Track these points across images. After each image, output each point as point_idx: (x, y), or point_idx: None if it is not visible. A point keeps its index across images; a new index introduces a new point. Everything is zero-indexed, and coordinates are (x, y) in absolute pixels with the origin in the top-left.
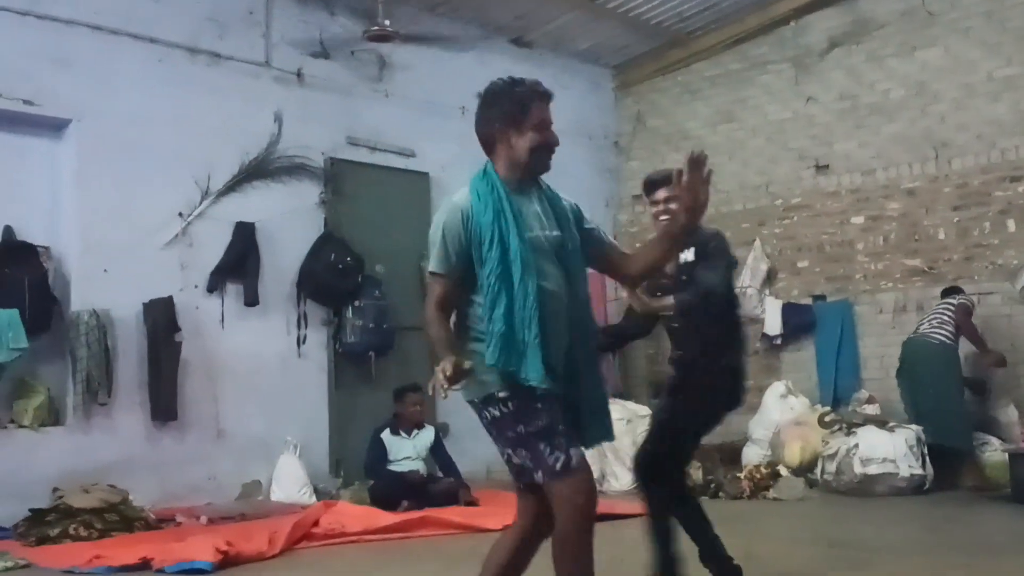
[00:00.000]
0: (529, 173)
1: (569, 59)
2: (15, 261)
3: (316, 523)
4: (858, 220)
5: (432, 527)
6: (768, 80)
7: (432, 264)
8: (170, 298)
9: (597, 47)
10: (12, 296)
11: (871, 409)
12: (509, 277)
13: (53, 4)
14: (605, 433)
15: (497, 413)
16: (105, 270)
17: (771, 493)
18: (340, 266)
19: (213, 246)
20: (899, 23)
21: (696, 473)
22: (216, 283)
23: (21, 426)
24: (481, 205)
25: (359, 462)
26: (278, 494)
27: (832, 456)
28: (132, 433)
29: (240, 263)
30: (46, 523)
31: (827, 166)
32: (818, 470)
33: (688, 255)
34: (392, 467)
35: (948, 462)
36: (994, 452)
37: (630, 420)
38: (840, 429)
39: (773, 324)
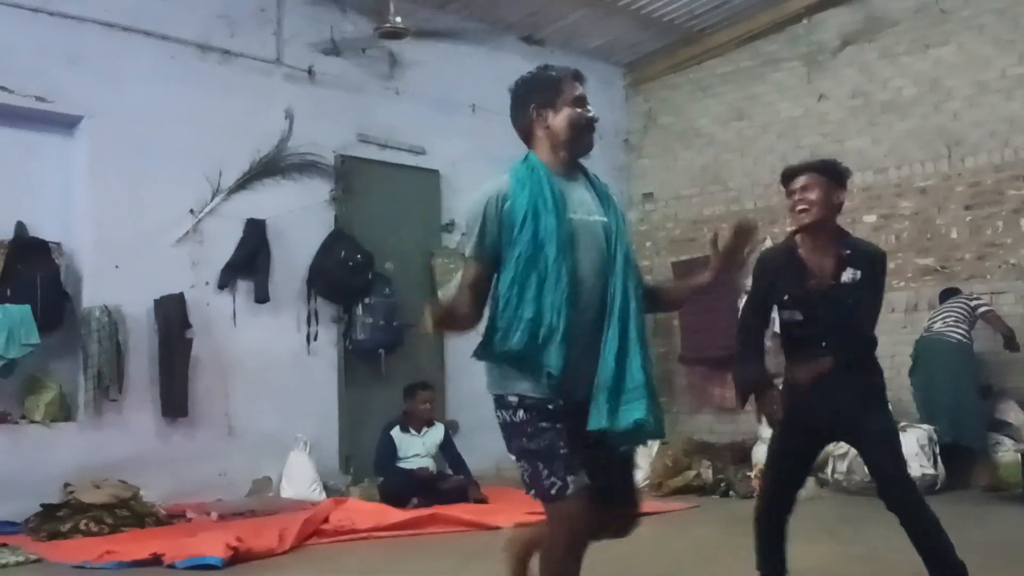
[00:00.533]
0: (572, 152)
1: (580, 56)
2: (27, 257)
3: (326, 520)
4: (870, 218)
5: (442, 524)
6: (780, 77)
7: (467, 248)
8: (181, 295)
9: (608, 44)
10: (24, 292)
11: None
12: (543, 259)
13: (65, 1)
14: (660, 424)
15: (507, 419)
16: (116, 266)
17: None
18: (350, 263)
19: (224, 243)
20: (912, 20)
21: (706, 472)
22: (227, 280)
23: (32, 422)
24: (519, 186)
25: (369, 459)
26: (288, 491)
27: (843, 456)
28: (143, 429)
29: (251, 260)
30: (57, 518)
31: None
32: (829, 469)
33: (853, 275)
34: (402, 464)
35: (960, 462)
36: (1007, 452)
37: None
38: None
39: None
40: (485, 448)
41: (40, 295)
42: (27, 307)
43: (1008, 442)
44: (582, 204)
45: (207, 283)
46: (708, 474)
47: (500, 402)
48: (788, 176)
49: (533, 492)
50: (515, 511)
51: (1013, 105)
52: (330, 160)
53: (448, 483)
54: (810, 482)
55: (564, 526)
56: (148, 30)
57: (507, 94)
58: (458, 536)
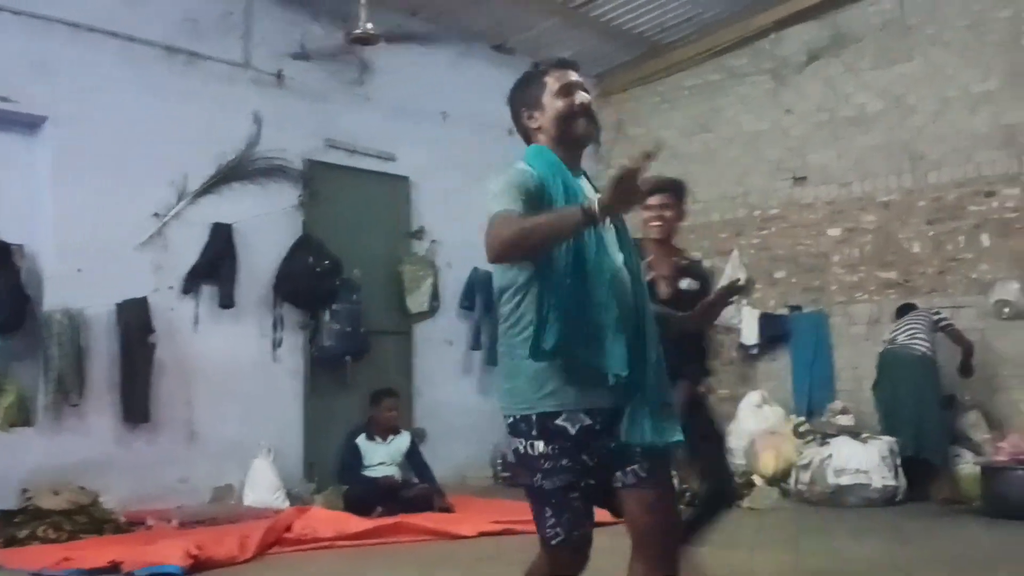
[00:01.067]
0: (570, 144)
1: None
2: None
3: (289, 528)
4: (834, 232)
5: (406, 533)
6: (746, 91)
7: (501, 204)
8: (144, 299)
9: (577, 55)
10: None
11: (845, 420)
12: (582, 252)
13: (30, 2)
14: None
15: (522, 449)
16: (79, 270)
17: (745, 502)
18: (317, 269)
19: (189, 248)
20: (877, 36)
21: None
22: (191, 285)
23: None
24: (548, 172)
25: (333, 467)
26: (251, 498)
27: (806, 466)
28: (103, 434)
29: (216, 265)
30: (14, 524)
31: (804, 178)
32: (792, 480)
33: (691, 284)
34: (366, 472)
35: (921, 474)
36: (967, 465)
37: None
38: (814, 439)
39: (749, 334)
40: (451, 456)
41: (1, 298)
42: None
43: (968, 455)
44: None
45: (171, 288)
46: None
47: (515, 429)
48: (650, 190)
49: (536, 526)
50: (480, 520)
51: (976, 121)
52: (298, 165)
53: (413, 491)
54: (773, 492)
55: (558, 568)
56: (114, 32)
57: (477, 102)
58: (422, 545)
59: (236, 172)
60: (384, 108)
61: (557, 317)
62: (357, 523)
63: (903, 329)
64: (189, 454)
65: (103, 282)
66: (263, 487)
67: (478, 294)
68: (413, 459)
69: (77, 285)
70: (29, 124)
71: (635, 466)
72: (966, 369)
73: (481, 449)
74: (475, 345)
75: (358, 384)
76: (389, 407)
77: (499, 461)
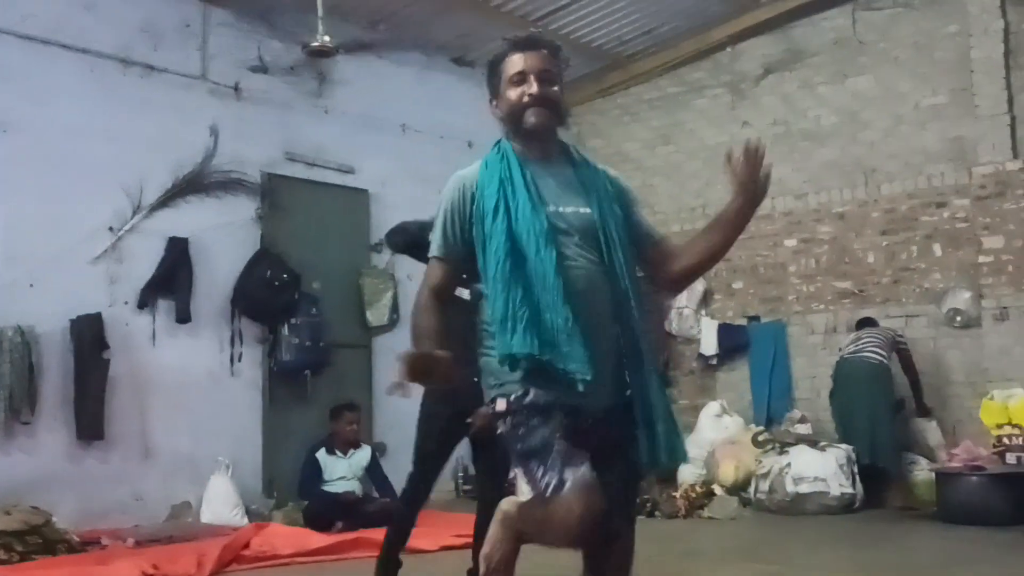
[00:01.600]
0: (525, 136)
1: None
2: None
3: (247, 545)
4: (791, 243)
5: (367, 548)
6: (704, 104)
7: (432, 247)
8: (98, 314)
9: None
10: None
11: (803, 429)
12: (520, 251)
13: None
14: (672, 452)
15: (501, 431)
16: (31, 284)
17: (706, 512)
18: (276, 283)
19: (144, 261)
20: (831, 52)
21: None
22: (147, 299)
23: None
24: (488, 174)
25: (293, 482)
26: (208, 515)
27: (765, 475)
28: (55, 452)
29: (172, 279)
30: None
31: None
32: (752, 489)
33: None
34: (327, 487)
35: (877, 481)
36: (921, 471)
37: None
38: (773, 448)
39: (709, 344)
40: None
41: None
42: None
43: (923, 461)
44: (557, 194)
45: (126, 302)
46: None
47: (495, 416)
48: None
49: (533, 495)
50: (442, 534)
51: (926, 136)
52: (256, 178)
53: (374, 506)
54: (733, 502)
55: (569, 521)
56: (67, 43)
57: (437, 114)
58: None
59: (193, 185)
60: (343, 121)
61: (510, 324)
62: (317, 539)
63: (861, 340)
64: (144, 471)
65: (56, 297)
66: (221, 503)
67: None
68: (374, 473)
69: (29, 300)
70: None
71: (607, 472)
72: (921, 408)
73: None
74: None
75: (318, 398)
76: (350, 421)
77: (460, 475)
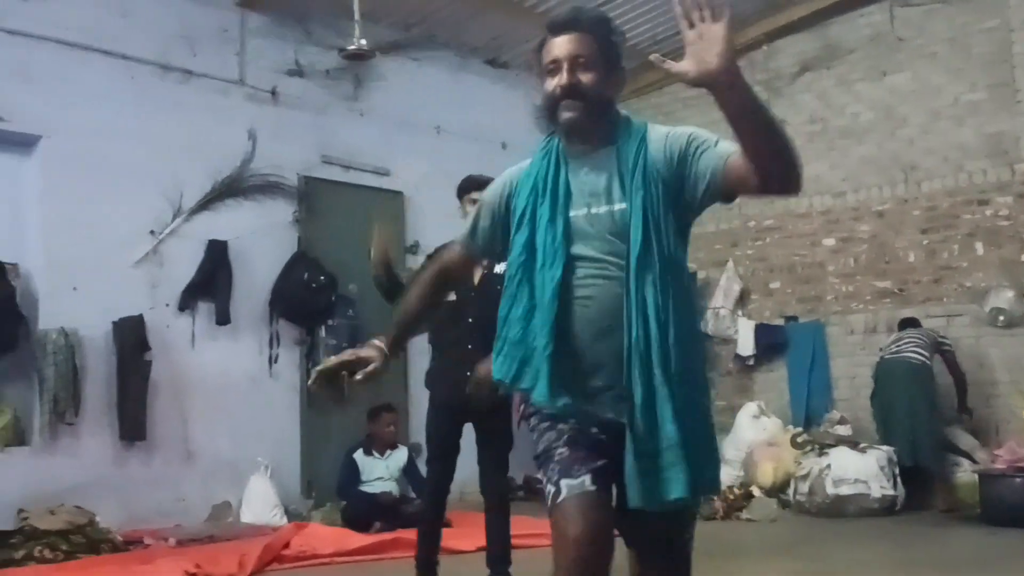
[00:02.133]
0: (560, 133)
1: None
2: None
3: (287, 545)
4: (829, 242)
5: (405, 549)
6: None
7: (464, 225)
8: (140, 317)
9: None
10: None
11: (843, 430)
12: (531, 268)
13: (21, 19)
14: (709, 483)
15: (529, 430)
16: (74, 288)
17: (744, 514)
18: (313, 285)
19: (184, 264)
20: (868, 48)
21: None
22: (187, 302)
23: None
24: (526, 177)
25: (331, 483)
26: (248, 516)
27: (804, 477)
28: (99, 454)
29: (212, 282)
30: (10, 546)
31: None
32: (791, 491)
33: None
34: (364, 488)
35: (919, 483)
36: (964, 473)
37: None
38: (812, 450)
39: (746, 345)
40: None
41: None
42: None
43: (966, 463)
44: (594, 193)
45: (167, 305)
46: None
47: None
48: (473, 187)
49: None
50: (479, 535)
51: (965, 131)
52: (293, 181)
53: (411, 507)
54: (772, 503)
55: (562, 533)
56: (107, 49)
57: (471, 116)
58: None
59: (232, 188)
60: (379, 123)
61: (499, 344)
62: (356, 539)
63: (903, 340)
64: (186, 472)
65: (99, 300)
66: (261, 504)
67: None
68: (410, 474)
69: (72, 303)
70: (22, 142)
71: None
72: (963, 406)
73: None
74: None
75: (355, 399)
76: (388, 422)
77: None
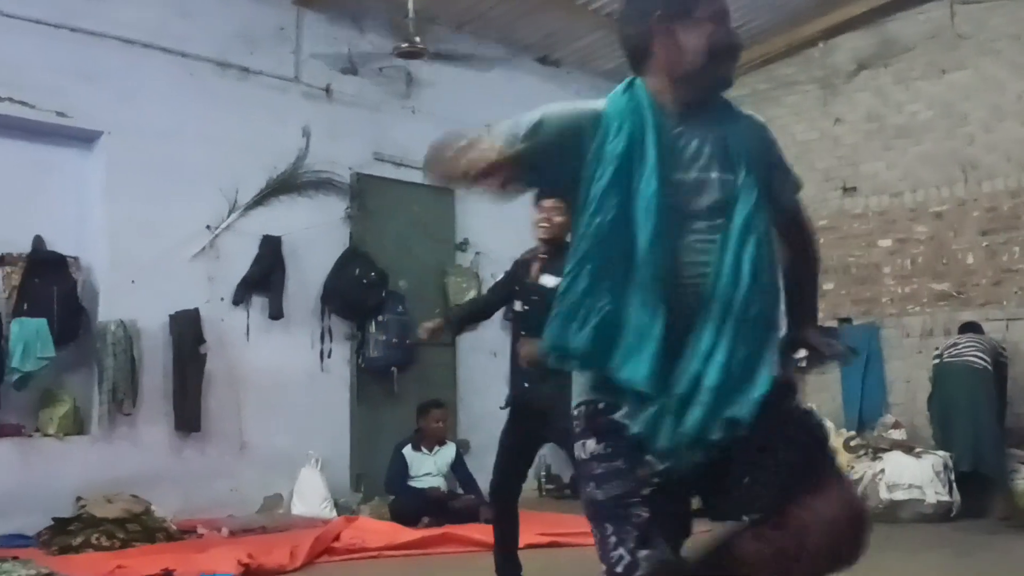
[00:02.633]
0: (703, 85)
1: (596, 78)
2: (44, 272)
3: (337, 538)
4: (885, 243)
5: (452, 544)
6: (795, 101)
7: (505, 129)
8: (196, 310)
9: (624, 66)
10: (41, 306)
11: (897, 434)
12: (633, 239)
13: (85, 18)
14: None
15: (577, 453)
16: (133, 281)
17: None
18: (364, 281)
19: (240, 259)
20: (927, 45)
21: None
22: (242, 296)
23: (46, 435)
24: (615, 124)
25: (380, 477)
26: (299, 508)
27: (857, 481)
28: (156, 444)
29: (266, 277)
30: (69, 532)
31: (854, 188)
32: None
33: (554, 281)
34: (413, 483)
35: (976, 489)
36: (1022, 480)
37: None
38: (866, 454)
39: None
40: None
41: (56, 309)
42: (43, 321)
43: None
44: (696, 158)
45: (222, 299)
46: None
47: (574, 430)
48: (544, 193)
49: (602, 567)
50: (526, 532)
51: None
52: (346, 178)
53: (459, 503)
54: None
55: None
56: (167, 47)
57: (522, 114)
58: (468, 556)
59: (286, 185)
60: (431, 121)
61: (583, 313)
62: (404, 534)
63: (959, 344)
64: (239, 464)
65: (156, 293)
66: (311, 497)
67: None
68: (459, 470)
69: (131, 296)
70: (84, 138)
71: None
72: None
73: None
74: None
75: (405, 395)
76: (437, 418)
77: (543, 474)
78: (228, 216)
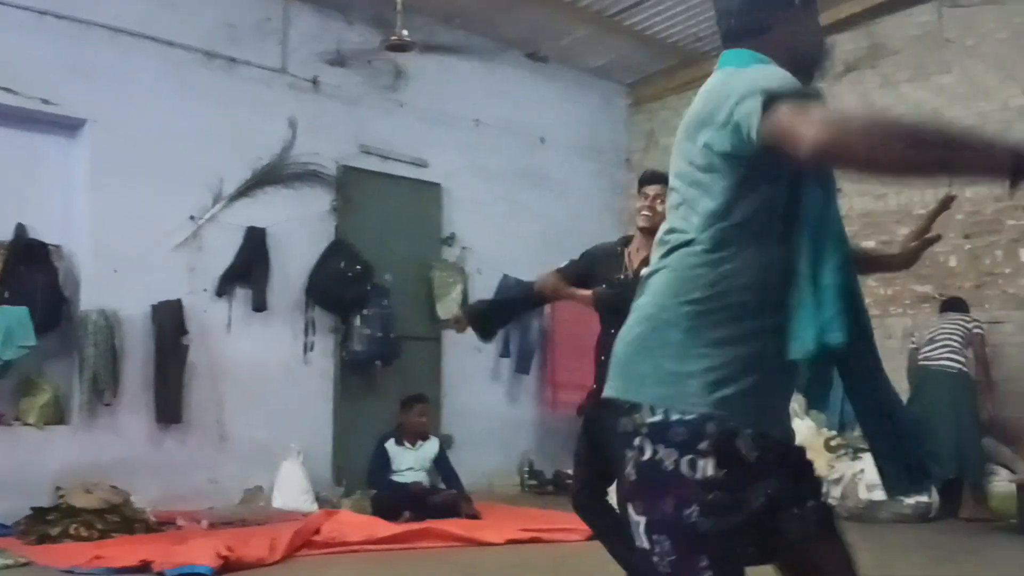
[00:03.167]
0: (809, 75)
1: (582, 74)
2: (27, 259)
3: (317, 531)
4: (868, 244)
5: (433, 539)
6: None
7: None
8: (179, 301)
9: (611, 64)
10: (22, 294)
11: None
12: (832, 222)
13: (71, 6)
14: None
15: (671, 465)
16: (115, 271)
17: None
18: (349, 274)
19: (223, 250)
20: (914, 48)
21: None
22: (225, 287)
23: (26, 424)
24: None
25: (362, 471)
26: (280, 501)
27: (837, 481)
28: (136, 434)
29: (249, 268)
30: (47, 522)
31: (839, 189)
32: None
33: None
34: (394, 477)
35: (953, 491)
36: (1001, 483)
37: None
38: (846, 454)
39: None
40: (478, 464)
41: (38, 297)
42: (24, 309)
43: (1003, 472)
44: None
45: (205, 290)
46: None
47: (666, 433)
48: (647, 180)
49: None
50: (507, 528)
51: (1013, 136)
52: (331, 170)
53: (440, 498)
54: None
55: None
56: (153, 36)
57: (509, 109)
58: (449, 551)
59: (271, 176)
60: (417, 114)
61: (843, 304)
62: (385, 528)
63: (938, 344)
64: (219, 455)
65: (139, 283)
66: (292, 490)
67: None
68: (441, 465)
69: (113, 286)
70: (68, 126)
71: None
72: (989, 403)
73: (508, 457)
74: (504, 352)
75: (388, 389)
76: (419, 413)
77: (526, 469)
78: (212, 207)
